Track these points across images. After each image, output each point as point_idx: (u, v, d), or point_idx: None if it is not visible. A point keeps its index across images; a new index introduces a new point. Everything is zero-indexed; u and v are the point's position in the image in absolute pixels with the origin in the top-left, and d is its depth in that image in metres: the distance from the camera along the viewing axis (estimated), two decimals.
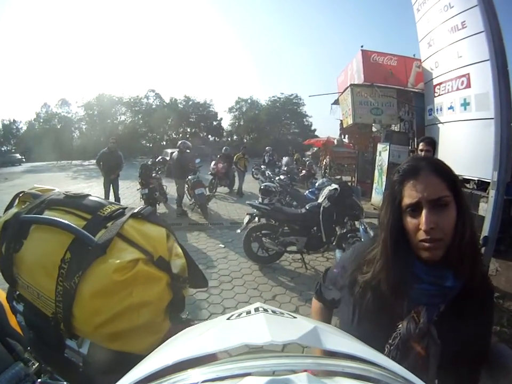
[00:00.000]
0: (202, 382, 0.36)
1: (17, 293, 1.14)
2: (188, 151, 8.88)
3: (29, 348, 1.16)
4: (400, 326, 0.90)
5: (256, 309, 0.55)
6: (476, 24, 5.72)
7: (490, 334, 0.99)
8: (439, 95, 7.04)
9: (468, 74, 5.94)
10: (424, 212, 0.85)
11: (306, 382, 0.34)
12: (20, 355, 1.09)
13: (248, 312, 0.55)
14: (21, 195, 1.24)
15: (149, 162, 9.70)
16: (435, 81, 7.23)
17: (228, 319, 0.54)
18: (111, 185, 8.80)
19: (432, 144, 3.73)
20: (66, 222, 0.97)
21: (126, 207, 1.11)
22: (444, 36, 6.68)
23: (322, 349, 0.43)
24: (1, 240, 1.09)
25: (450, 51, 6.48)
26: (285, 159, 14.37)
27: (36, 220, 1.04)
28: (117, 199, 8.79)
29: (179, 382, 0.38)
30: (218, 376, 0.37)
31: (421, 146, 3.77)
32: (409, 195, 0.88)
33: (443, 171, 0.89)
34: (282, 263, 5.36)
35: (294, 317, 0.54)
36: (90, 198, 1.12)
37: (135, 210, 1.07)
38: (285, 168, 13.20)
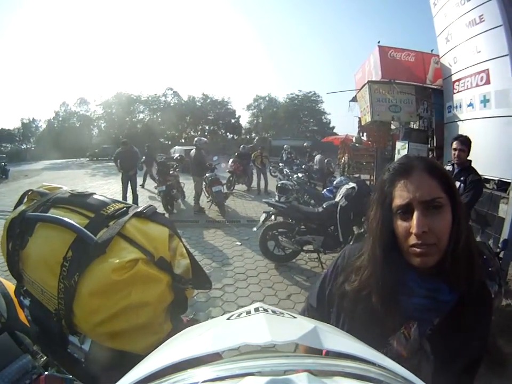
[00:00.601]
0: (202, 382, 0.36)
1: (24, 288, 1.16)
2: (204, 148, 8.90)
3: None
4: (392, 340, 0.85)
5: (256, 309, 0.55)
6: (493, 17, 5.60)
7: (486, 343, 0.91)
8: (458, 91, 6.89)
9: (487, 70, 5.81)
10: (415, 214, 0.78)
11: (306, 382, 0.35)
12: (28, 348, 1.12)
13: (248, 312, 0.55)
14: (29, 193, 1.26)
15: (162, 159, 9.77)
16: (454, 78, 7.08)
17: (228, 319, 0.54)
18: (129, 182, 8.90)
19: (467, 143, 3.52)
20: (68, 220, 0.98)
21: (130, 206, 1.12)
22: (462, 31, 6.54)
23: (322, 349, 0.43)
24: (8, 237, 1.12)
25: (469, 46, 6.33)
26: (317, 157, 13.29)
27: (40, 217, 1.06)
28: (135, 195, 8.91)
29: (179, 382, 0.38)
30: (218, 376, 0.37)
31: (454, 145, 3.56)
32: (400, 196, 0.82)
33: (437, 171, 0.83)
34: (299, 262, 5.33)
35: (294, 317, 0.54)
36: (94, 196, 1.14)
37: (138, 209, 1.08)
38: (317, 167, 12.91)
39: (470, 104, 6.37)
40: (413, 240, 0.79)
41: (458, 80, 6.84)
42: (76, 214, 1.04)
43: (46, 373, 1.06)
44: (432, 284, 0.82)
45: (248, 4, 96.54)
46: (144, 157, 12.45)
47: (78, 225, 0.96)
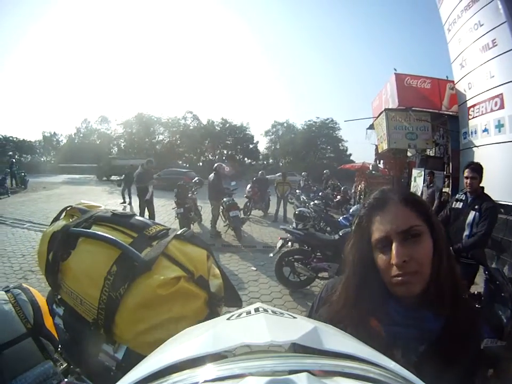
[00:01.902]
0: (203, 382, 0.36)
1: (59, 297, 1.23)
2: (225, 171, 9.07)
3: (59, 348, 1.24)
4: None
5: (256, 309, 0.55)
6: (506, 41, 5.63)
7: (477, 365, 0.89)
8: (473, 117, 6.90)
9: (501, 94, 5.83)
10: (394, 245, 0.78)
11: (306, 382, 0.34)
12: (50, 354, 1.18)
13: (248, 312, 0.55)
14: (68, 209, 1.34)
15: (181, 182, 9.95)
16: (469, 103, 7.11)
17: (228, 319, 0.54)
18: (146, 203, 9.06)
19: (478, 170, 3.51)
20: (115, 238, 1.06)
21: (169, 228, 1.20)
22: (476, 56, 6.60)
23: (322, 349, 0.42)
24: (49, 249, 1.20)
25: (483, 71, 6.38)
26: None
27: (85, 233, 1.14)
28: (152, 217, 9.00)
29: (179, 382, 0.38)
30: (218, 376, 0.37)
31: (466, 173, 3.54)
32: (378, 229, 0.82)
33: (412, 200, 0.84)
34: (313, 288, 5.30)
35: (294, 317, 0.54)
36: (136, 217, 1.22)
37: (178, 232, 1.16)
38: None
39: (485, 130, 6.37)
40: (394, 271, 0.79)
41: (473, 106, 6.86)
42: (119, 232, 1.11)
43: (65, 380, 1.12)
44: (416, 313, 0.82)
45: (269, 32, 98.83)
46: (123, 175, 14.23)
47: (124, 244, 1.04)
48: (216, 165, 8.86)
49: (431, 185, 7.68)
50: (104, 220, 1.20)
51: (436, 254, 0.80)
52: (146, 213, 9.03)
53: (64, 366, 1.23)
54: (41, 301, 1.30)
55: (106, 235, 1.09)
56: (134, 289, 0.98)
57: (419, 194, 8.63)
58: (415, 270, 0.77)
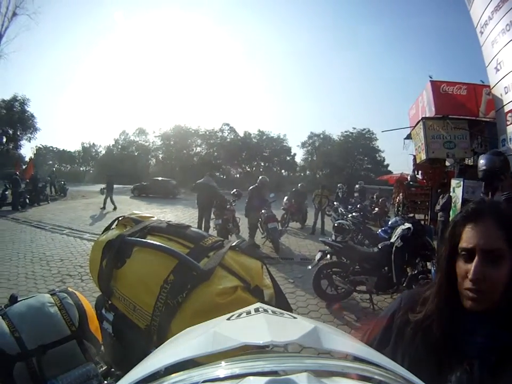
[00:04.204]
0: (203, 382, 0.37)
1: (110, 302, 1.29)
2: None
3: (101, 352, 1.31)
4: (451, 377, 0.83)
5: (256, 309, 0.56)
6: None
7: None
8: (511, 123, 6.61)
9: None
10: (475, 260, 0.81)
11: (306, 382, 0.34)
12: (92, 357, 1.24)
13: (248, 313, 0.55)
14: (120, 219, 1.42)
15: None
16: (506, 108, 6.80)
17: (228, 319, 0.54)
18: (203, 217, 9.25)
19: None
20: (173, 248, 1.12)
21: (224, 240, 1.25)
22: (510, 58, 6.32)
23: (322, 349, 0.43)
24: (103, 256, 1.26)
25: None
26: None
27: (141, 243, 1.20)
28: (206, 228, 9.08)
29: (179, 382, 0.38)
30: (218, 376, 0.37)
31: None
32: (466, 239, 0.84)
33: (506, 221, 0.83)
34: (350, 302, 5.25)
35: (294, 317, 0.54)
36: (192, 229, 1.28)
37: (233, 243, 1.21)
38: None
39: None
40: (467, 284, 0.82)
41: (511, 111, 6.58)
42: (175, 243, 1.17)
43: (105, 382, 1.20)
44: (488, 327, 0.83)
45: (302, 42, 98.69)
46: (106, 184, 15.67)
47: (183, 254, 1.10)
48: (260, 178, 9.02)
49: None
50: (160, 230, 1.26)
51: (511, 279, 0.81)
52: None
53: (104, 368, 1.30)
54: (87, 305, 1.35)
55: (163, 245, 1.14)
56: (193, 297, 1.01)
57: (458, 205, 8.39)
58: (485, 289, 0.81)
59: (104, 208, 15.17)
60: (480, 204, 0.90)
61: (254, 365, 0.39)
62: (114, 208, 15.33)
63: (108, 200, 15.27)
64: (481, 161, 3.57)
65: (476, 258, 0.81)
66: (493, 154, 3.61)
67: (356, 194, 16.12)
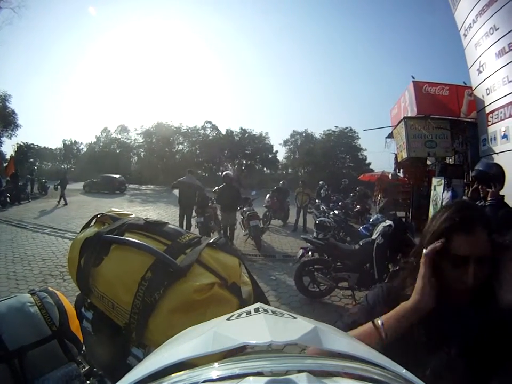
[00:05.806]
0: (203, 382, 0.37)
1: (89, 301, 1.26)
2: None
3: (83, 351, 1.28)
4: (430, 360, 0.88)
5: (256, 309, 0.55)
6: None
7: None
8: (492, 123, 6.81)
9: None
10: (471, 268, 0.86)
11: (306, 382, 0.34)
12: (74, 356, 1.22)
13: (248, 313, 0.55)
14: (98, 216, 1.38)
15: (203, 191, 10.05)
16: (487, 109, 7.01)
17: (228, 319, 0.54)
18: (185, 215, 9.20)
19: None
20: (150, 245, 1.10)
21: (201, 237, 1.23)
22: (492, 61, 6.51)
23: (322, 349, 0.42)
24: (81, 254, 1.23)
25: (500, 76, 6.30)
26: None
27: (118, 240, 1.18)
28: (188, 226, 9.05)
29: (179, 382, 0.38)
30: (218, 376, 0.37)
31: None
32: (459, 247, 0.89)
33: (491, 226, 0.91)
34: (332, 298, 5.29)
35: (294, 317, 0.53)
36: (169, 226, 1.26)
37: (211, 240, 1.19)
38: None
39: (504, 136, 6.28)
40: (461, 284, 0.88)
41: (492, 112, 6.77)
42: (152, 240, 1.15)
43: (88, 382, 1.17)
44: (465, 310, 0.90)
45: (284, 40, 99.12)
46: (59, 181, 16.84)
47: (159, 251, 1.08)
48: (224, 173, 8.63)
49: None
50: (137, 227, 1.23)
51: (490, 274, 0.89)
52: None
53: (86, 368, 1.27)
54: (67, 304, 1.33)
55: (141, 242, 1.12)
56: (169, 294, 1.01)
57: (439, 203, 8.53)
58: (474, 287, 0.87)
59: (59, 203, 16.06)
60: (470, 211, 0.94)
61: (254, 365, 0.39)
62: (65, 204, 16.07)
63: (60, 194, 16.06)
64: (481, 163, 3.68)
65: (471, 265, 0.86)
66: (495, 164, 3.68)
67: (342, 194, 16.17)
